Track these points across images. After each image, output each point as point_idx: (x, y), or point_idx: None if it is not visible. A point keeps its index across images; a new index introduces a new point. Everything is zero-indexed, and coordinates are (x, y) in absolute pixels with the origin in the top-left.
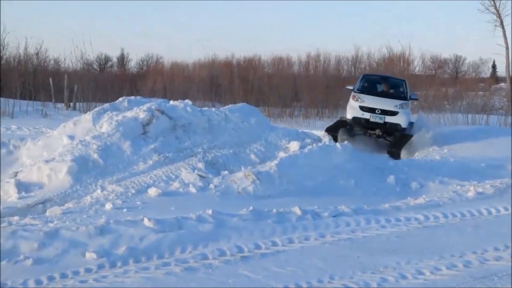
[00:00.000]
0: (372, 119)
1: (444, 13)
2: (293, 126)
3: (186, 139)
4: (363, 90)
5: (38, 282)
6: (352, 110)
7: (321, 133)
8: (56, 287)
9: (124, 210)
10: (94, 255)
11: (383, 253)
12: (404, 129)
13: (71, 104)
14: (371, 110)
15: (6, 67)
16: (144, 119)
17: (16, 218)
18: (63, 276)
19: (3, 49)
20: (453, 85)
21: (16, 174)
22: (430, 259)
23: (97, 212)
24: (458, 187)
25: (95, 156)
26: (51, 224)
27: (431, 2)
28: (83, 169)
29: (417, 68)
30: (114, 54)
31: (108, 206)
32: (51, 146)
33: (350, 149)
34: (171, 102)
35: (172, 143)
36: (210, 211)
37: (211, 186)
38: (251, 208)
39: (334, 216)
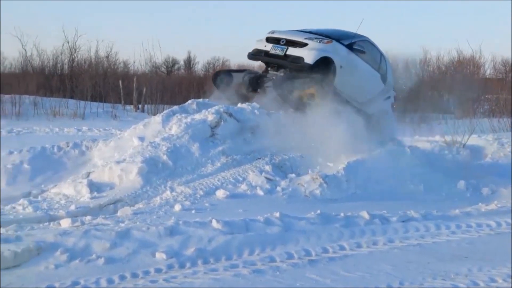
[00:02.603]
0: (272, 51)
1: None
2: None
3: (254, 142)
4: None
5: (110, 281)
6: (258, 42)
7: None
8: (127, 286)
9: (193, 211)
10: (164, 256)
11: (454, 260)
12: (309, 65)
13: (140, 106)
14: (276, 41)
15: (78, 69)
16: (213, 122)
17: (88, 217)
18: (134, 275)
19: (75, 52)
20: None
21: (88, 174)
22: (503, 266)
23: (167, 213)
24: None
25: (165, 157)
26: (122, 224)
27: (502, 2)
28: (153, 170)
29: (487, 72)
30: (181, 57)
31: (177, 207)
32: (122, 147)
33: (419, 152)
34: (239, 105)
35: (240, 146)
36: (277, 214)
37: (278, 189)
38: (318, 211)
39: (403, 221)
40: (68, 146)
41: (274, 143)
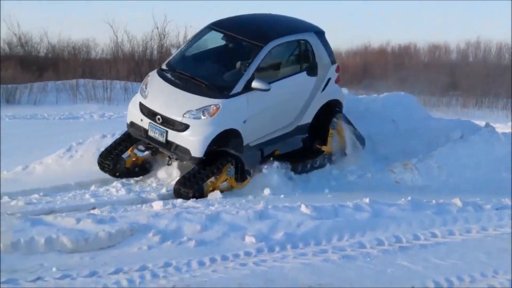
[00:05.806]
0: (151, 133)
1: None
2: (450, 115)
3: None
4: (178, 65)
5: (201, 263)
6: (133, 109)
7: (481, 123)
8: (218, 268)
9: (282, 196)
10: (253, 239)
11: None
12: (198, 160)
13: None
14: (152, 115)
15: (166, 55)
16: None
17: (179, 200)
18: (224, 258)
19: (164, 38)
20: None
21: None
22: None
23: (256, 197)
24: None
25: None
26: (213, 208)
27: None
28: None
29: None
30: None
31: (266, 191)
32: None
33: None
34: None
35: None
36: (367, 200)
37: (368, 175)
38: (409, 198)
39: (497, 209)
40: None
41: None
